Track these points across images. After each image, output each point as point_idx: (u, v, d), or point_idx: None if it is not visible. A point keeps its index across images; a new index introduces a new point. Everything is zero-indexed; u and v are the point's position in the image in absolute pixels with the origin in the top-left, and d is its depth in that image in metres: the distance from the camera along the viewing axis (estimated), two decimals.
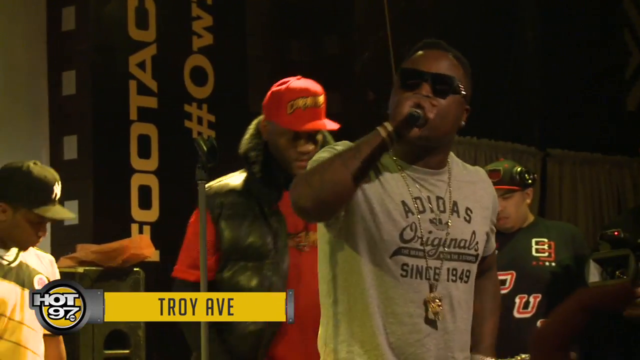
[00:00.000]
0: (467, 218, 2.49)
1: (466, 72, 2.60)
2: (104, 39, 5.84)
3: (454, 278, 2.44)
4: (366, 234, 2.40)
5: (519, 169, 4.54)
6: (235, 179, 3.43)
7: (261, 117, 3.46)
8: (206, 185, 3.36)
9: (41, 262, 3.80)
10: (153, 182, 5.88)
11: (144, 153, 5.87)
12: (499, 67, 7.65)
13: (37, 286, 3.74)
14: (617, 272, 2.50)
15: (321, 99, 3.33)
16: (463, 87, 2.53)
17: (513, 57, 7.73)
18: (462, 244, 2.46)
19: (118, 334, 4.64)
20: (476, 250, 2.49)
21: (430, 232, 2.42)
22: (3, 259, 3.68)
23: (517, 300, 4.31)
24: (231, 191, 3.35)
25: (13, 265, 3.72)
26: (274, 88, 3.41)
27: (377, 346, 2.40)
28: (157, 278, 5.51)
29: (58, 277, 3.84)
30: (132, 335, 4.67)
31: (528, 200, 4.55)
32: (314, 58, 7.13)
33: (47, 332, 3.76)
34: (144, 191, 5.86)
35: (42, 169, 3.74)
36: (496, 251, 2.71)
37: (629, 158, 8.06)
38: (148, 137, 5.90)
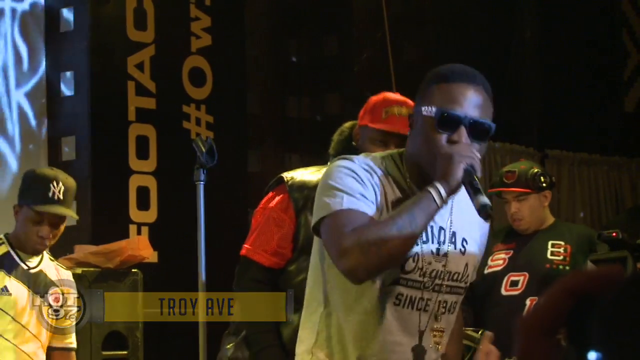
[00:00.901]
0: (463, 250, 2.47)
1: (491, 102, 2.54)
2: (102, 40, 5.84)
3: (443, 310, 2.44)
4: None
5: (534, 171, 4.49)
6: (316, 175, 3.42)
7: (355, 123, 3.50)
8: (288, 175, 3.38)
9: (59, 275, 3.86)
10: (151, 183, 5.88)
11: (143, 154, 5.87)
12: (497, 68, 7.65)
13: (51, 297, 3.78)
14: (599, 266, 2.50)
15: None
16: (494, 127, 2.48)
17: (511, 58, 7.73)
18: (455, 277, 2.45)
19: (116, 335, 4.64)
20: (466, 283, 2.48)
21: (429, 263, 2.41)
22: (25, 263, 3.77)
23: (527, 302, 4.30)
24: (314, 188, 3.37)
25: (33, 271, 3.78)
26: (370, 99, 3.45)
27: None
28: (156, 279, 5.51)
29: (72, 292, 3.87)
30: (130, 336, 4.66)
31: (546, 203, 4.50)
32: (312, 58, 7.14)
33: (59, 346, 3.80)
34: (143, 192, 5.86)
35: (45, 169, 3.87)
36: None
37: (627, 159, 8.06)
38: (146, 138, 5.89)
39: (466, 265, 2.46)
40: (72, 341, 3.88)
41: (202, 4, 6.18)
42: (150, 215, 5.85)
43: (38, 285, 3.77)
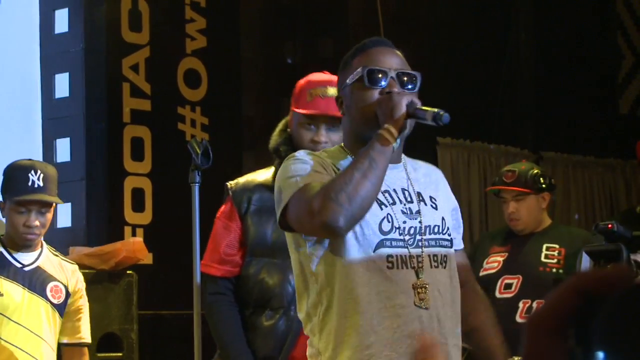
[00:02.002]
0: (434, 205, 2.53)
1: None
2: (97, 42, 5.83)
3: (436, 264, 2.47)
4: (348, 234, 2.41)
5: (534, 172, 4.49)
6: (262, 174, 3.42)
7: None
8: (233, 182, 3.37)
9: (62, 270, 3.84)
10: (146, 185, 5.88)
11: (137, 156, 5.87)
12: (492, 70, 7.66)
13: (50, 293, 3.77)
14: (608, 266, 2.51)
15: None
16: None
17: (506, 60, 7.74)
18: (436, 230, 2.50)
19: (111, 337, 4.64)
20: (449, 235, 2.53)
21: (404, 222, 2.46)
22: (19, 262, 3.76)
23: (520, 304, 4.30)
24: (258, 186, 3.35)
25: (28, 269, 3.77)
26: (299, 81, 3.41)
27: (370, 345, 2.40)
28: (151, 281, 5.50)
29: (80, 287, 3.87)
30: (125, 338, 4.66)
31: (544, 205, 4.49)
32: (307, 60, 7.13)
33: (71, 342, 3.80)
34: (137, 194, 5.85)
35: (22, 160, 3.85)
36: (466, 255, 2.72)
37: (622, 161, 8.07)
38: (141, 140, 5.89)
39: (442, 218, 2.52)
40: (83, 336, 3.86)
41: (197, 6, 6.18)
42: (145, 217, 5.85)
43: (35, 282, 3.76)
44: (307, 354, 2.51)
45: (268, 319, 3.26)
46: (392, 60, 2.53)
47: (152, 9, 5.96)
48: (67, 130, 5.81)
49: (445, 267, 2.49)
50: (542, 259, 4.37)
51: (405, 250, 2.43)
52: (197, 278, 3.18)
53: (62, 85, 5.84)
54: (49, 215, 3.80)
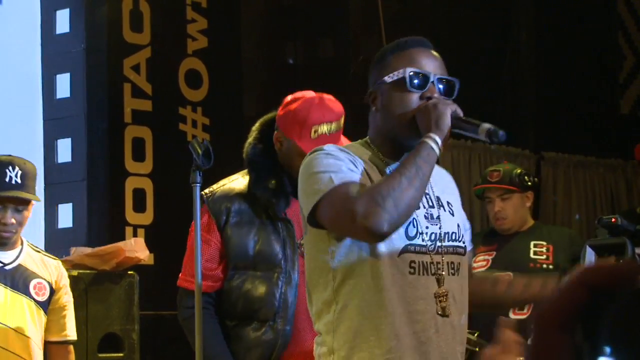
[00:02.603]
0: (451, 211, 2.53)
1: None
2: (98, 42, 5.83)
3: (452, 271, 2.46)
4: None
5: (518, 171, 4.56)
6: (238, 182, 3.35)
7: (263, 120, 3.42)
8: (208, 190, 3.32)
9: (44, 266, 3.80)
10: (147, 185, 5.88)
11: (139, 156, 5.87)
12: (493, 71, 7.66)
13: (33, 290, 3.73)
14: (614, 260, 2.50)
15: (342, 120, 3.32)
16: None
17: (507, 61, 7.74)
18: (453, 237, 2.49)
19: (112, 337, 4.63)
20: (464, 242, 2.52)
21: (427, 227, 2.45)
22: None
23: None
24: (237, 196, 3.28)
25: (9, 267, 3.73)
26: (295, 106, 3.30)
27: (390, 349, 2.39)
28: (152, 281, 5.50)
29: (64, 282, 3.84)
30: (126, 339, 4.66)
31: (528, 204, 4.54)
32: (308, 61, 7.13)
33: (57, 340, 3.77)
34: (139, 194, 5.85)
35: (3, 156, 3.79)
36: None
37: (623, 161, 8.07)
38: (142, 140, 5.89)
39: (458, 225, 2.52)
40: (68, 334, 3.82)
41: (198, 6, 6.18)
42: (147, 217, 5.85)
43: (17, 280, 3.71)
44: (317, 352, 2.49)
45: (255, 330, 3.22)
46: (433, 64, 2.51)
47: (153, 9, 5.96)
48: (68, 131, 5.81)
49: (459, 275, 2.48)
50: (532, 255, 4.41)
51: (428, 256, 2.43)
52: (199, 278, 3.18)
53: (63, 85, 5.84)
54: (26, 213, 3.74)
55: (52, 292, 3.77)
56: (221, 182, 3.39)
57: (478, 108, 8.21)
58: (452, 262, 2.46)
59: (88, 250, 4.87)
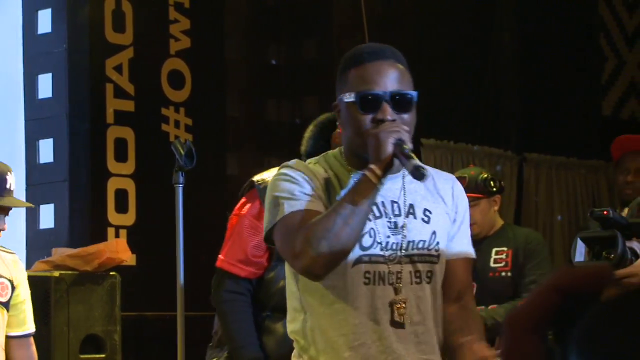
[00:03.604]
0: (426, 219, 2.48)
1: (408, 70, 2.57)
2: (81, 42, 5.81)
3: (417, 280, 2.44)
4: None
5: (484, 176, 4.54)
6: None
7: (319, 120, 3.42)
8: (259, 178, 3.33)
9: (3, 263, 3.73)
10: (130, 186, 5.86)
11: (121, 156, 5.85)
12: (476, 71, 7.68)
13: None
14: (604, 253, 2.49)
15: None
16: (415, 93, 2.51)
17: (490, 62, 7.76)
18: (420, 245, 2.45)
19: (94, 338, 4.62)
20: (437, 250, 2.47)
21: (388, 236, 2.43)
22: None
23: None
24: None
25: None
26: None
27: None
28: (134, 282, 5.49)
29: (22, 276, 3.78)
30: (108, 340, 4.65)
31: (495, 207, 4.54)
32: (291, 62, 7.13)
33: (19, 334, 3.72)
34: (121, 195, 5.84)
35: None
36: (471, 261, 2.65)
37: (605, 162, 8.10)
38: (125, 141, 5.88)
39: (433, 233, 2.47)
40: (29, 326, 3.73)
41: (181, 7, 6.17)
42: (129, 218, 5.83)
43: None
44: (293, 354, 2.52)
45: (286, 325, 3.25)
46: (388, 79, 2.47)
47: (136, 9, 5.95)
48: (50, 131, 5.79)
49: (429, 283, 2.45)
50: (491, 264, 4.43)
51: (384, 266, 2.42)
52: (181, 279, 3.17)
53: (45, 85, 5.81)
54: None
55: (13, 289, 3.71)
56: (274, 170, 3.40)
57: (461, 109, 8.27)
58: (417, 271, 2.44)
59: (70, 251, 4.86)
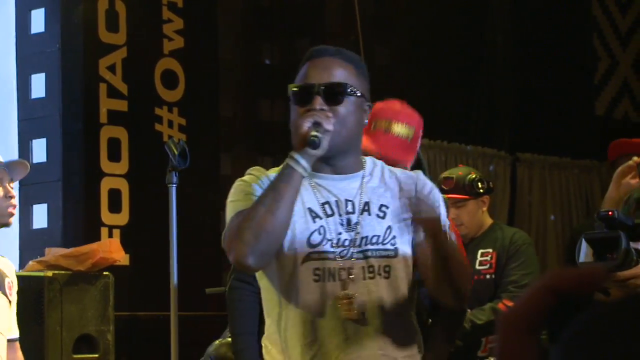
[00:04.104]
0: (381, 214, 2.49)
1: (359, 70, 2.57)
2: (74, 42, 5.81)
3: (371, 275, 2.45)
4: (278, 248, 2.44)
5: (472, 177, 4.49)
6: None
7: None
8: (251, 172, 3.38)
9: (6, 266, 3.75)
10: (123, 186, 5.86)
11: (114, 156, 5.85)
12: (469, 72, 7.68)
13: (7, 289, 3.72)
14: (607, 254, 2.49)
15: (414, 130, 3.22)
16: (356, 88, 2.51)
17: (483, 62, 7.77)
18: (374, 240, 2.47)
19: (87, 338, 4.62)
20: (393, 244, 2.48)
21: (340, 233, 2.46)
22: None
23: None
24: None
25: None
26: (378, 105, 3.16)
27: (295, 358, 2.45)
28: (127, 282, 5.48)
29: (15, 280, 3.78)
30: (101, 340, 4.64)
31: (484, 208, 4.51)
32: (285, 61, 7.13)
33: (10, 337, 3.73)
34: (114, 195, 5.83)
35: None
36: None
37: (598, 162, 8.11)
38: (118, 141, 5.87)
39: (388, 228, 2.48)
40: (15, 331, 3.73)
41: (174, 6, 6.17)
42: (122, 217, 5.83)
43: None
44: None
45: None
46: (323, 73, 2.50)
47: (129, 9, 5.94)
48: (43, 131, 5.78)
49: (386, 278, 2.46)
50: (477, 266, 4.41)
51: (334, 262, 2.44)
52: (175, 279, 3.17)
53: (38, 85, 5.81)
54: (10, 185, 3.67)
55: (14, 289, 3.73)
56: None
57: (454, 109, 8.27)
58: (370, 266, 2.45)
59: (63, 250, 4.85)
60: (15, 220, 3.81)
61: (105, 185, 5.81)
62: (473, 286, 4.37)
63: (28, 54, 5.84)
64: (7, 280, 3.72)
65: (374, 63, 7.14)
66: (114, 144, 5.85)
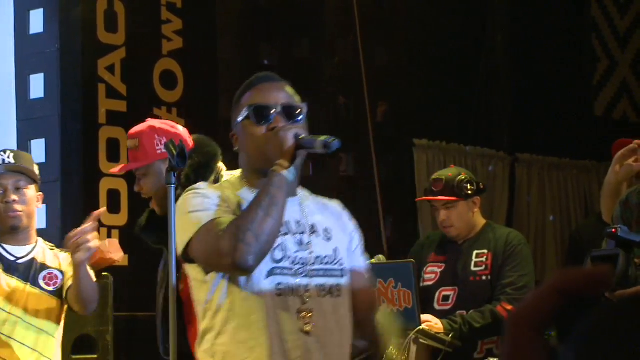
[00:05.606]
0: (327, 237, 2.64)
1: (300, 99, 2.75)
2: (73, 42, 5.81)
3: (323, 293, 2.57)
4: None
5: (461, 178, 4.45)
6: None
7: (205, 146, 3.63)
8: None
9: (57, 258, 3.88)
10: (122, 186, 5.86)
11: (113, 157, 5.84)
12: (469, 72, 7.69)
13: (42, 281, 3.78)
14: (590, 266, 2.50)
15: (132, 141, 3.68)
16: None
17: (482, 63, 7.77)
18: (326, 261, 2.60)
19: (86, 339, 4.62)
20: (341, 265, 2.63)
21: (296, 251, 2.57)
22: (12, 255, 3.81)
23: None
24: None
25: (21, 261, 3.81)
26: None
27: None
28: (126, 283, 5.48)
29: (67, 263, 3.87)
30: (100, 340, 4.64)
31: (475, 209, 4.47)
32: (284, 62, 7.13)
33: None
34: (113, 195, 5.83)
35: None
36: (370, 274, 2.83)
37: (597, 163, 8.12)
38: (117, 141, 5.87)
39: (335, 249, 2.63)
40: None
41: (173, 7, 6.17)
42: (121, 218, 5.83)
43: (28, 273, 3.80)
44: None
45: None
46: (278, 95, 2.63)
47: (128, 9, 5.94)
48: (42, 131, 5.78)
49: (333, 296, 2.59)
50: (472, 268, 4.39)
51: (294, 279, 2.55)
52: (174, 279, 3.17)
53: (37, 85, 5.81)
54: (29, 193, 3.84)
55: (63, 276, 3.82)
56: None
57: (453, 109, 8.27)
58: (322, 285, 2.57)
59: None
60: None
61: (104, 185, 5.81)
62: (470, 287, 4.38)
63: (27, 55, 5.84)
64: (44, 273, 3.80)
65: (373, 63, 7.14)
66: (112, 144, 5.85)
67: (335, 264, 2.62)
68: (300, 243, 2.58)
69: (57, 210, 5.70)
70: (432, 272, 4.45)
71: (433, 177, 4.59)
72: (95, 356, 4.63)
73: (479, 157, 7.64)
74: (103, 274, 4.74)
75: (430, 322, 4.22)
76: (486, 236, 4.44)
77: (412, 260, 4.36)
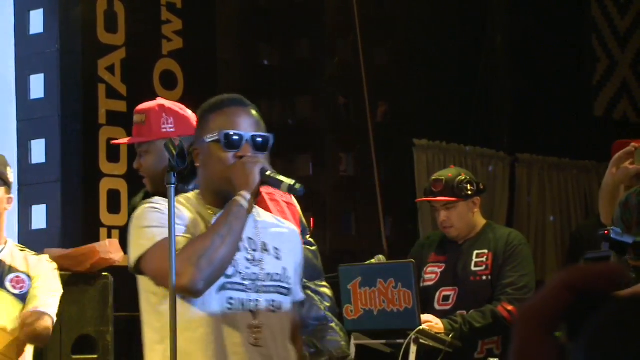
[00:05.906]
0: (277, 256, 2.72)
1: (262, 120, 2.83)
2: (73, 43, 5.81)
3: (272, 309, 2.67)
4: None
5: (461, 179, 4.45)
6: None
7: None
8: None
9: (26, 262, 3.84)
10: (122, 186, 5.86)
11: (113, 157, 5.84)
12: (468, 72, 7.69)
13: (9, 283, 3.77)
14: (600, 263, 2.50)
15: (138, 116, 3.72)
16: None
17: (482, 63, 7.77)
18: (275, 278, 2.69)
19: (86, 339, 4.61)
20: (289, 284, 2.72)
21: (247, 267, 2.65)
22: None
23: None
24: None
25: None
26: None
27: None
28: (126, 283, 5.48)
29: (43, 270, 3.85)
30: (100, 340, 4.64)
31: (475, 209, 4.47)
32: (284, 62, 7.13)
33: (29, 309, 3.79)
34: (113, 195, 5.83)
35: None
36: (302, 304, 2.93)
37: (597, 163, 8.12)
38: None
39: (284, 268, 2.72)
40: (47, 306, 3.79)
41: (173, 7, 6.17)
42: (121, 218, 5.83)
43: None
44: None
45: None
46: (247, 122, 2.70)
47: (128, 10, 5.94)
48: (42, 132, 5.78)
49: (281, 312, 2.68)
50: (472, 267, 4.39)
51: (245, 294, 2.62)
52: (174, 279, 3.16)
53: (37, 86, 5.81)
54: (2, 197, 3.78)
55: (31, 282, 3.80)
56: None
57: (453, 109, 8.26)
58: (272, 300, 2.66)
59: (62, 251, 4.84)
60: (14, 221, 3.85)
61: (104, 185, 5.81)
62: (470, 287, 4.38)
63: (27, 55, 5.84)
64: (11, 276, 3.77)
65: (373, 63, 7.14)
66: (113, 144, 5.85)
67: (284, 282, 2.70)
68: (253, 259, 2.65)
69: (57, 210, 5.70)
70: (432, 272, 4.45)
71: (433, 177, 4.59)
72: (96, 356, 4.63)
73: (479, 157, 7.64)
74: (103, 274, 4.74)
75: (431, 322, 4.22)
76: (486, 236, 4.43)
77: (412, 260, 4.36)
